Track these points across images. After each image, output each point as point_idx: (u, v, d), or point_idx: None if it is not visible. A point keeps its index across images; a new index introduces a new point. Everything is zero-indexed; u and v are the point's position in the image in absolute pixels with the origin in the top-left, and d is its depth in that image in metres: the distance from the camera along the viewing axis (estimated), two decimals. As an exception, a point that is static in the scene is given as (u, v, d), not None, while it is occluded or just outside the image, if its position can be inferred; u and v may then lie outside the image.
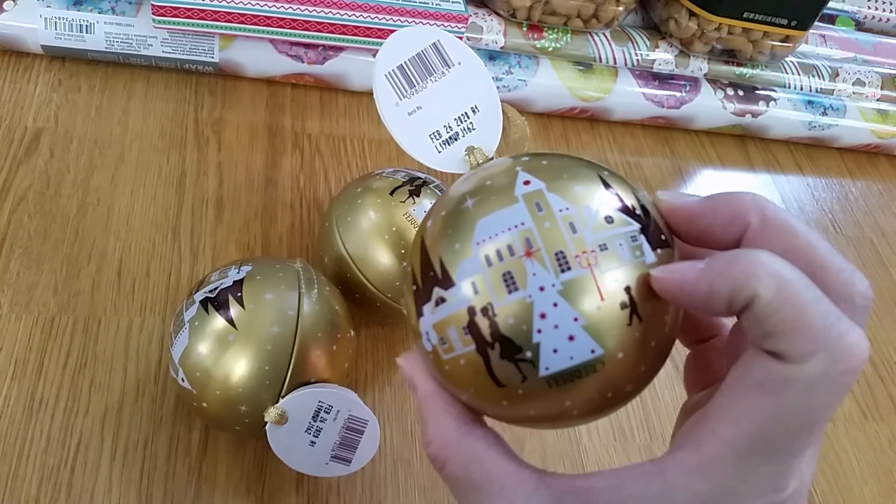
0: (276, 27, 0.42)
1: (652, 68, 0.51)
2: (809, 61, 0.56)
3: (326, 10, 0.42)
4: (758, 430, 0.16)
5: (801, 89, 0.55)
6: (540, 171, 0.20)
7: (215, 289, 0.29)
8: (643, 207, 0.20)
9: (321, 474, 0.29)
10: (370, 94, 0.48)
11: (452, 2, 0.44)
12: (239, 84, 0.46)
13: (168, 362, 0.33)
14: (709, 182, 0.52)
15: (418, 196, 0.34)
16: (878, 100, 0.57)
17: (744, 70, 0.53)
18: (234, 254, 0.38)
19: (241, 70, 0.45)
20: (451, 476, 0.20)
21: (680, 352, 0.41)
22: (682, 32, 0.50)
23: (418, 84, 0.25)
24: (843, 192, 0.55)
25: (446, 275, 0.19)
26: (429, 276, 0.19)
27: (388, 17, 0.43)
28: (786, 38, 0.51)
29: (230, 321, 0.28)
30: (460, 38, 0.45)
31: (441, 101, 0.25)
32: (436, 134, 0.25)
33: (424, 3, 0.43)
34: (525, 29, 0.48)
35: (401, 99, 0.24)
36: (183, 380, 0.28)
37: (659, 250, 0.19)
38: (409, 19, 0.43)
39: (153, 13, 0.40)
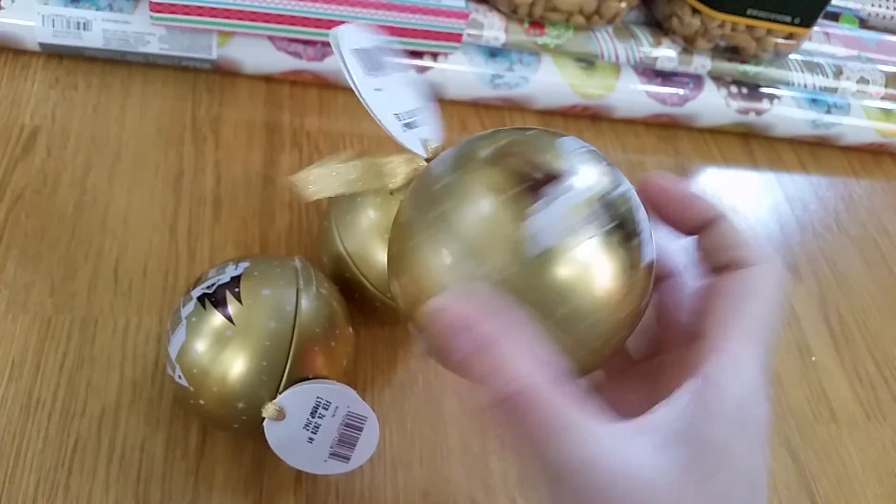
0: (275, 24, 0.42)
1: (655, 65, 0.51)
2: (813, 59, 0.56)
3: (325, 7, 0.41)
4: (762, 324, 0.20)
5: (805, 87, 0.54)
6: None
7: (213, 285, 0.28)
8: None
9: (319, 471, 0.29)
10: (370, 91, 0.47)
11: (453, -2, 0.43)
12: (237, 81, 0.45)
13: (165, 362, 0.33)
14: (712, 181, 0.51)
15: (418, 195, 0.34)
16: (882, 98, 0.56)
17: (747, 67, 0.52)
18: (231, 253, 0.38)
19: (239, 67, 0.44)
20: (534, 425, 0.17)
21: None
22: (686, 29, 0.50)
23: (380, 70, 0.28)
24: (847, 191, 0.55)
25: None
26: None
27: (387, 13, 0.42)
28: (789, 36, 0.51)
29: (227, 317, 0.27)
30: (459, 35, 0.44)
31: (397, 91, 0.28)
32: (398, 115, 0.27)
33: (425, -1, 0.43)
34: (526, 25, 0.48)
35: (367, 75, 0.27)
36: (180, 377, 0.28)
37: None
38: (409, 15, 0.43)
39: (151, 10, 0.40)
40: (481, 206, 0.19)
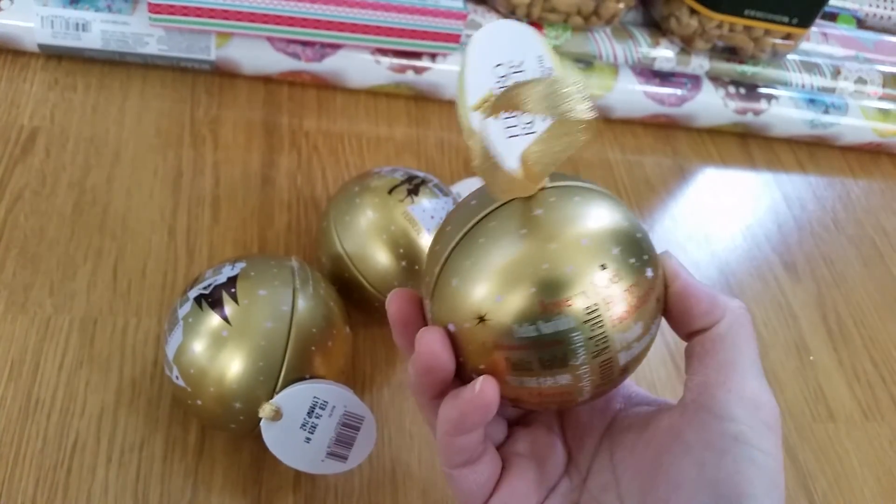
0: (274, 25, 0.42)
1: (653, 66, 0.51)
2: (811, 59, 0.56)
3: (324, 8, 0.41)
4: (752, 360, 0.22)
5: (803, 87, 0.54)
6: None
7: (209, 285, 0.29)
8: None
9: (317, 471, 0.29)
10: (368, 92, 0.47)
11: (451, -1, 0.44)
12: (236, 82, 0.45)
13: (163, 364, 0.33)
14: (710, 181, 0.51)
15: (416, 195, 0.34)
16: (879, 98, 0.56)
17: (745, 68, 0.52)
18: (230, 253, 0.38)
19: (237, 68, 0.45)
20: None
21: (682, 351, 0.41)
22: (683, 30, 0.50)
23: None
24: (845, 191, 0.55)
25: None
26: None
27: (385, 14, 0.42)
28: (787, 36, 0.51)
29: (224, 317, 0.27)
30: (458, 36, 0.45)
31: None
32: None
33: (422, 0, 0.43)
34: (524, 26, 0.48)
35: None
36: (177, 377, 0.28)
37: None
38: (407, 16, 0.43)
39: (150, 11, 0.40)
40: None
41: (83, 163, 0.39)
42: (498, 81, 0.20)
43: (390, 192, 0.34)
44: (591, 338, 0.20)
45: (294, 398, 0.27)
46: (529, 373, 0.21)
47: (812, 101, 0.54)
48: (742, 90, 0.52)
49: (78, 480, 0.29)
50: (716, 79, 0.52)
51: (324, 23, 0.42)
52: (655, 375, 0.40)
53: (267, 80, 0.46)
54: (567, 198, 0.21)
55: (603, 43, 0.50)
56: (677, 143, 0.53)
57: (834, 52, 0.58)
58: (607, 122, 0.52)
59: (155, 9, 0.40)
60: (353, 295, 0.33)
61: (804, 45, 0.57)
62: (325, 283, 0.31)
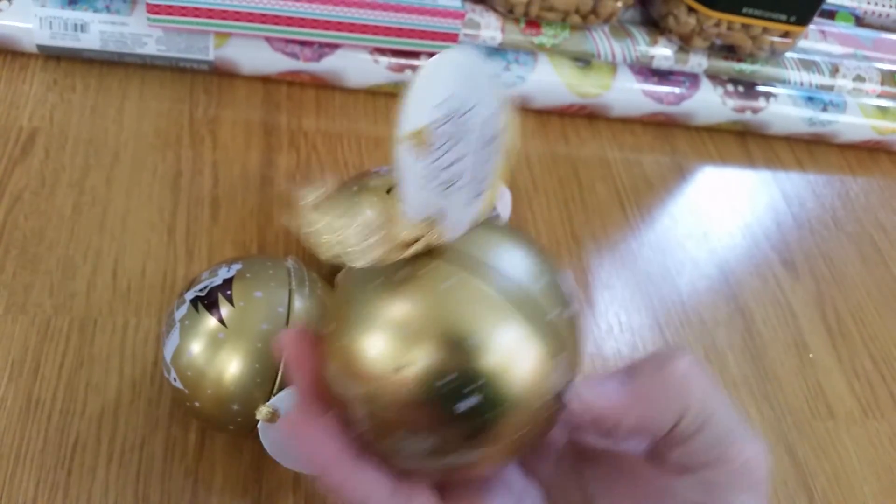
0: (272, 24, 0.42)
1: (651, 64, 0.51)
2: (809, 57, 0.56)
3: (322, 7, 0.41)
4: None
5: (802, 85, 0.54)
6: None
7: (205, 287, 0.29)
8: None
9: (315, 472, 0.29)
10: (366, 91, 0.47)
11: (449, -2, 0.44)
12: (234, 82, 0.45)
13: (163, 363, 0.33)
14: (709, 179, 0.52)
15: (415, 194, 0.34)
16: (878, 96, 0.56)
17: (743, 66, 0.52)
18: (230, 253, 0.38)
19: (236, 68, 0.45)
20: None
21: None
22: (681, 28, 0.50)
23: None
24: (844, 189, 0.55)
25: None
26: None
27: (383, 13, 0.42)
28: (785, 34, 0.51)
29: (220, 319, 0.27)
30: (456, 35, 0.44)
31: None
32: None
33: (421, -1, 0.43)
34: (523, 25, 0.48)
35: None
36: (175, 379, 0.28)
37: None
38: (405, 16, 0.43)
39: (148, 11, 0.40)
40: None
41: (82, 163, 0.39)
42: (437, 122, 0.17)
43: (389, 191, 0.34)
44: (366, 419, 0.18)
45: (291, 400, 0.27)
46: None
47: (811, 99, 0.54)
48: (740, 88, 0.52)
49: (78, 480, 0.29)
50: (714, 77, 0.52)
51: (322, 22, 0.42)
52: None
53: (265, 80, 0.46)
54: (438, 276, 0.18)
55: (601, 41, 0.50)
56: (676, 141, 0.53)
57: (832, 49, 0.58)
58: (606, 120, 0.52)
59: (153, 9, 0.40)
60: (352, 294, 0.33)
61: (802, 43, 0.57)
62: (322, 284, 0.31)
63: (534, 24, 0.48)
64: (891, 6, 0.63)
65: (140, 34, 0.42)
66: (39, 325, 0.33)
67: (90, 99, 0.42)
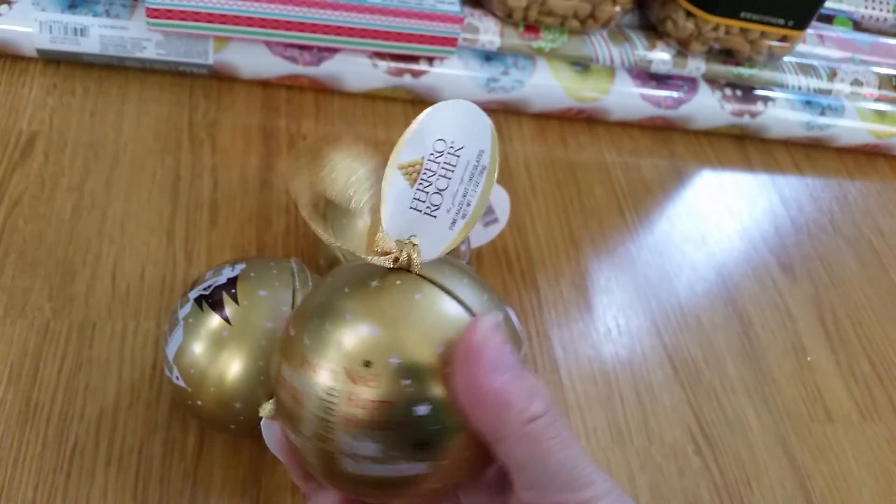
0: (271, 29, 0.42)
1: (649, 68, 0.51)
2: (807, 61, 0.56)
3: (321, 12, 0.42)
4: None
5: (800, 89, 0.55)
6: None
7: (209, 286, 0.29)
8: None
9: None
10: (366, 95, 0.48)
11: (448, 3, 0.44)
12: (234, 86, 0.45)
13: (163, 364, 0.33)
14: (708, 183, 0.52)
15: (414, 198, 0.34)
16: (875, 100, 0.56)
17: (742, 70, 0.53)
18: (228, 257, 0.38)
19: (235, 72, 0.45)
20: None
21: (679, 352, 0.41)
22: (680, 32, 0.50)
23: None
24: (841, 193, 0.55)
25: None
26: None
27: (382, 17, 0.42)
28: (783, 38, 0.51)
29: (224, 318, 0.27)
30: (455, 41, 0.45)
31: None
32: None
33: (419, 4, 0.43)
34: (521, 29, 0.48)
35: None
36: (177, 378, 0.28)
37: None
38: (405, 20, 0.43)
39: (147, 15, 0.40)
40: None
41: (82, 167, 0.39)
42: (432, 154, 0.20)
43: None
44: (320, 418, 0.19)
45: None
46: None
47: (808, 103, 0.54)
48: (738, 92, 0.52)
49: (77, 484, 0.29)
50: (712, 81, 0.52)
51: (321, 27, 0.42)
52: (653, 377, 0.40)
53: (265, 84, 0.46)
54: (410, 290, 0.20)
55: (599, 46, 0.50)
56: (674, 145, 0.53)
57: (830, 54, 0.58)
58: (604, 124, 0.52)
59: (153, 13, 0.40)
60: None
61: (800, 48, 0.57)
62: None
63: (532, 28, 0.48)
64: (889, 10, 0.63)
65: (140, 38, 0.42)
66: (38, 329, 0.33)
67: (90, 103, 0.42)
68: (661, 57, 0.51)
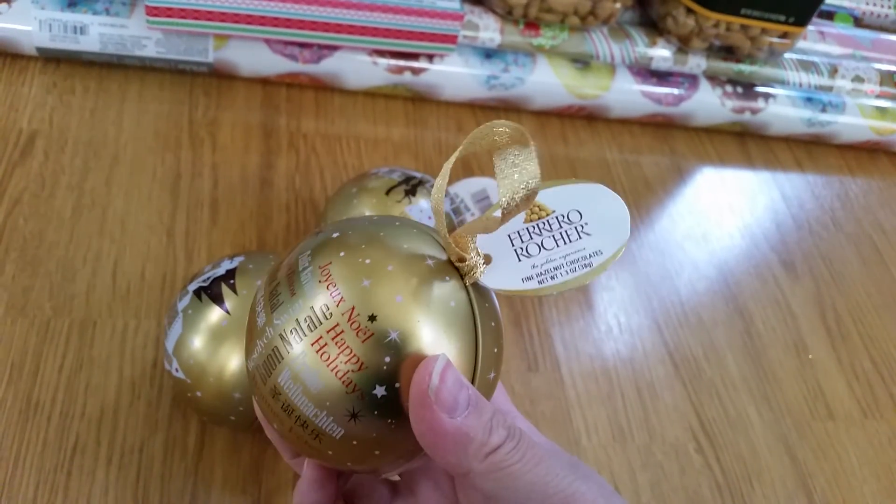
0: (271, 27, 0.42)
1: (650, 65, 0.51)
2: (808, 58, 0.56)
3: (321, 10, 0.42)
4: None
5: (801, 86, 0.54)
6: None
7: (208, 278, 0.29)
8: None
9: None
10: (366, 93, 0.48)
11: (447, 0, 0.44)
12: (233, 84, 0.45)
13: (163, 363, 0.33)
14: (709, 180, 0.52)
15: (414, 195, 0.34)
16: (877, 96, 0.56)
17: (742, 67, 0.53)
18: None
19: (235, 70, 0.45)
20: None
21: (681, 350, 0.41)
22: (680, 29, 0.50)
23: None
24: (843, 190, 0.55)
25: None
26: None
27: (382, 15, 0.42)
28: (784, 35, 0.51)
29: (223, 308, 0.28)
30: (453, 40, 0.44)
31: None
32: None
33: (419, 1, 0.43)
34: (522, 27, 0.48)
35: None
36: (177, 370, 0.28)
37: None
38: (404, 17, 0.43)
39: (147, 14, 0.40)
40: None
41: (82, 165, 0.39)
42: (563, 216, 0.20)
43: (388, 192, 0.34)
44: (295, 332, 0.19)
45: None
46: None
47: (809, 100, 0.54)
48: (739, 89, 0.52)
49: (78, 483, 0.29)
50: (713, 78, 0.52)
51: (321, 24, 0.42)
52: (654, 375, 0.40)
53: (265, 82, 0.46)
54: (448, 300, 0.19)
55: (600, 43, 0.50)
56: (675, 142, 0.53)
57: (831, 50, 0.58)
58: (605, 121, 0.52)
59: (152, 11, 0.40)
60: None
61: (801, 44, 0.57)
62: None
63: (533, 25, 0.48)
64: (889, 7, 0.63)
65: (139, 36, 0.42)
66: (39, 327, 0.33)
67: (90, 101, 0.42)
68: (661, 54, 0.51)
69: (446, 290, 0.19)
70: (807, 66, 0.55)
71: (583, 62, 0.49)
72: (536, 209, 0.21)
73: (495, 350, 0.20)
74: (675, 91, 0.51)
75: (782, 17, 0.49)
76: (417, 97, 0.48)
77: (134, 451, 0.31)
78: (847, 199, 0.54)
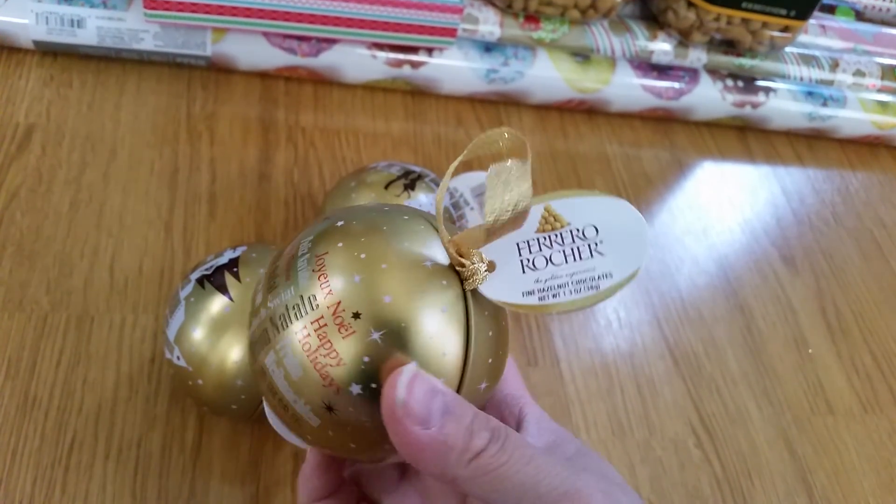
0: (269, 20, 0.41)
1: (650, 59, 0.51)
2: (809, 52, 0.55)
3: (319, 2, 0.41)
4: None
5: (801, 80, 0.54)
6: None
7: (211, 267, 0.29)
8: None
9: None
10: (364, 87, 0.47)
11: (447, -7, 0.43)
12: (232, 78, 0.45)
13: (160, 359, 0.33)
14: (709, 174, 0.51)
15: (413, 190, 0.34)
16: (878, 90, 0.56)
17: (743, 60, 0.52)
18: (228, 250, 0.38)
19: (233, 64, 0.44)
20: None
21: (680, 345, 0.41)
22: (681, 23, 0.50)
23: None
24: (843, 184, 0.55)
25: None
26: None
27: (381, 8, 0.42)
28: (785, 28, 0.51)
29: (226, 295, 0.27)
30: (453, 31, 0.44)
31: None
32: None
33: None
34: (521, 20, 0.48)
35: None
36: (178, 358, 0.28)
37: None
38: (404, 10, 0.43)
39: (145, 7, 0.40)
40: None
41: (79, 160, 0.39)
42: (578, 230, 0.19)
43: (387, 187, 0.34)
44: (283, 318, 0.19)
45: None
46: None
47: (810, 94, 0.53)
48: (740, 83, 0.52)
49: (76, 478, 0.29)
50: (714, 72, 0.52)
51: (319, 17, 0.42)
52: (654, 370, 0.40)
53: (263, 76, 0.46)
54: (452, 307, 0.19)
55: (600, 36, 0.49)
56: (675, 136, 0.53)
57: (832, 44, 0.58)
58: (605, 115, 0.52)
59: (150, 4, 0.40)
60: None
61: (802, 38, 0.57)
62: None
63: (532, 18, 0.48)
64: (892, 0, 0.63)
65: (137, 30, 0.42)
66: (36, 322, 0.33)
67: (87, 95, 0.42)
68: (662, 47, 0.50)
69: (439, 295, 0.18)
70: (808, 60, 0.55)
71: (583, 56, 0.49)
72: (551, 219, 0.19)
73: (490, 361, 0.20)
74: (676, 85, 0.50)
75: (783, 11, 0.49)
76: (416, 91, 0.48)
77: (132, 446, 0.31)
78: (848, 193, 0.54)
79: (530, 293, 0.19)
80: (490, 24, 0.47)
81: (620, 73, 0.49)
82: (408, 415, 0.17)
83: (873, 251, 0.50)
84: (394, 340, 0.18)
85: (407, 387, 0.17)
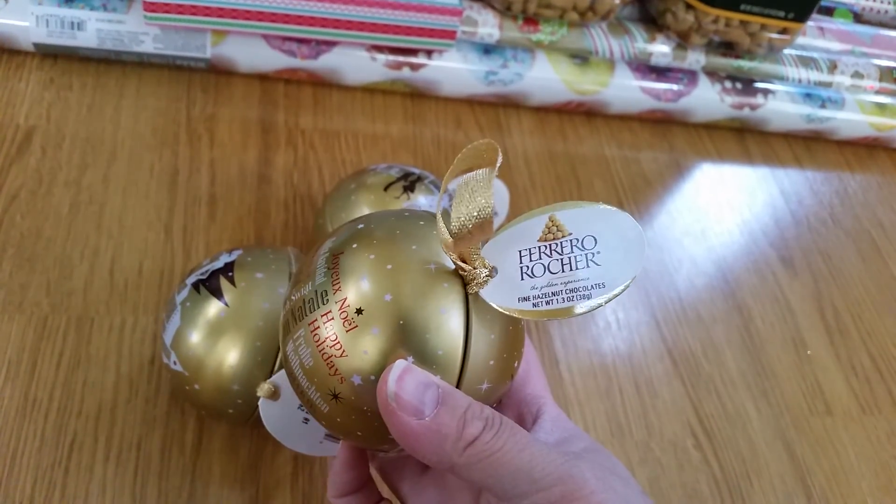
0: (269, 22, 0.42)
1: (649, 61, 0.51)
2: (807, 54, 0.56)
3: (319, 5, 0.41)
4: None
5: (800, 82, 0.54)
6: None
7: (206, 271, 0.29)
8: None
9: (315, 453, 0.29)
10: (364, 89, 0.47)
11: (446, -4, 0.43)
12: (231, 80, 0.45)
13: (160, 361, 0.33)
14: (708, 176, 0.51)
15: (412, 192, 0.34)
16: (876, 92, 0.56)
17: (741, 63, 0.52)
18: (227, 251, 0.38)
19: (233, 66, 0.45)
20: None
21: (679, 346, 0.41)
22: (680, 25, 0.50)
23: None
24: (842, 186, 0.55)
25: None
26: None
27: (381, 10, 0.42)
28: (783, 31, 0.51)
29: (222, 300, 0.28)
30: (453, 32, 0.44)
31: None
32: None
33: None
34: (520, 22, 0.48)
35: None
36: (175, 363, 0.28)
37: None
38: (403, 13, 0.43)
39: (145, 9, 0.40)
40: None
41: (79, 162, 0.39)
42: (578, 241, 0.20)
43: (386, 188, 0.34)
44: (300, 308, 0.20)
45: None
46: None
47: (809, 96, 0.54)
48: (738, 85, 0.52)
49: (76, 479, 0.29)
50: (712, 74, 0.52)
51: (319, 20, 0.42)
52: (653, 371, 0.40)
53: (263, 78, 0.46)
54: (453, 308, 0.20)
55: (599, 38, 0.50)
56: (674, 138, 0.53)
57: (831, 46, 0.58)
58: (604, 117, 0.52)
59: (150, 7, 0.40)
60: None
61: (801, 40, 0.57)
62: None
63: (531, 21, 0.48)
64: (889, 3, 0.63)
65: (137, 32, 0.42)
66: (36, 324, 0.33)
67: (87, 97, 0.42)
68: (660, 49, 0.51)
69: (439, 297, 0.19)
70: (806, 62, 0.55)
71: (582, 58, 0.49)
72: (554, 229, 0.20)
73: (491, 362, 0.20)
74: (675, 87, 0.51)
75: (782, 13, 0.49)
76: (416, 93, 0.48)
77: (131, 448, 0.31)
78: (846, 195, 0.54)
79: (525, 299, 0.20)
80: (489, 27, 0.47)
81: (619, 75, 0.50)
82: (400, 407, 0.18)
83: (871, 252, 0.51)
84: (391, 336, 0.19)
85: (397, 381, 0.18)
